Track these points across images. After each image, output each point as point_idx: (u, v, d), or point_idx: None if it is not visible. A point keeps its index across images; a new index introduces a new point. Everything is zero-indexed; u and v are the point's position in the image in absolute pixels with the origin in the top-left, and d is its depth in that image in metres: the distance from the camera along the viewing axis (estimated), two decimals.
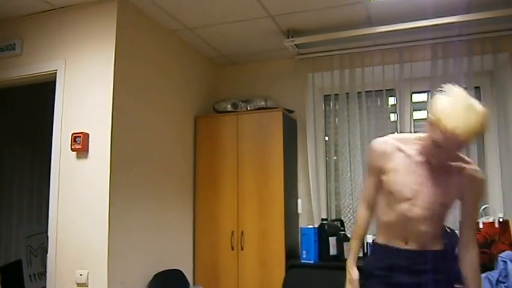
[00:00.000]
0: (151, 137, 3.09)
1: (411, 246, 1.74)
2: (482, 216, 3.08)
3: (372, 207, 1.90)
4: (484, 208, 3.17)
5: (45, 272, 2.75)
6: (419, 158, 1.71)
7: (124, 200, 2.74)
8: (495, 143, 3.50)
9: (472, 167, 1.74)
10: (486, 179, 3.47)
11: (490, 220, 2.99)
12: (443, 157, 1.63)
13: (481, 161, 3.50)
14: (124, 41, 2.82)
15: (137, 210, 2.88)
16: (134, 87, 2.92)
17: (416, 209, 1.70)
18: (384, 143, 1.79)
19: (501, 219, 2.99)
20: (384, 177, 1.76)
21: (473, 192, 1.76)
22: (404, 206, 1.71)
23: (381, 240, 1.84)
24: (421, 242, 1.74)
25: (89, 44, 2.81)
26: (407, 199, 1.70)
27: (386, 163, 1.75)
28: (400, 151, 1.74)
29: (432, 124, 1.54)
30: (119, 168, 2.70)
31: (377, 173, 1.80)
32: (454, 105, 1.50)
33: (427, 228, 1.72)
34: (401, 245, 1.76)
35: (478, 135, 1.53)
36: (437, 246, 1.78)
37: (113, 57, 2.72)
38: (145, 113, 3.04)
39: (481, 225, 2.99)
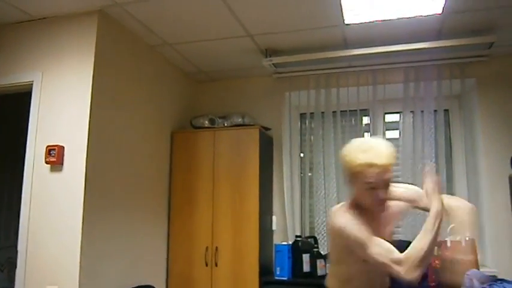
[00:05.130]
0: (127, 151, 3.07)
1: None
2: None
3: None
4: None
5: (13, 287, 2.68)
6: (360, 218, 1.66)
7: (98, 214, 2.71)
8: (462, 163, 3.64)
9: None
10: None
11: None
12: (382, 198, 1.63)
13: (449, 181, 3.62)
14: (103, 54, 2.82)
15: (111, 224, 2.85)
16: (112, 101, 2.92)
17: None
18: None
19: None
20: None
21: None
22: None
23: None
24: None
25: (68, 56, 2.80)
26: None
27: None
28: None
29: (356, 173, 1.60)
30: (93, 182, 2.68)
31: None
32: (362, 146, 1.63)
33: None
34: None
35: (393, 159, 1.62)
36: None
37: (92, 70, 2.71)
38: (122, 127, 3.03)
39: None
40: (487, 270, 3.08)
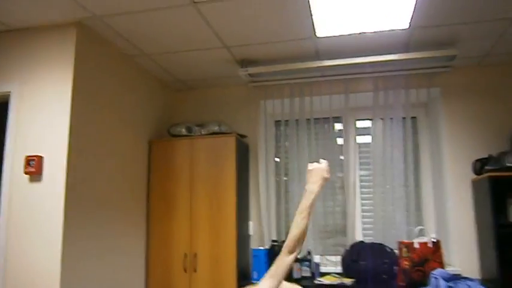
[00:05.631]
0: (106, 160, 3.11)
1: None
2: (417, 237, 3.36)
3: None
4: (419, 230, 3.46)
5: None
6: None
7: (78, 224, 2.75)
8: (429, 168, 3.84)
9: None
10: (420, 201, 3.79)
11: (424, 240, 3.27)
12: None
13: (417, 185, 3.81)
14: (82, 65, 2.86)
15: (91, 234, 2.89)
16: (91, 111, 2.96)
17: None
18: None
19: (434, 240, 3.27)
20: None
21: None
22: None
23: None
24: None
25: (47, 66, 2.82)
26: None
27: None
28: None
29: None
30: (73, 192, 2.71)
31: None
32: None
33: None
34: None
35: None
36: None
37: (71, 80, 2.75)
38: (101, 135, 3.07)
39: (416, 245, 3.26)
40: (452, 269, 3.27)
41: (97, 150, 3.02)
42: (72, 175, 2.71)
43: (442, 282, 2.88)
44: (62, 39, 2.84)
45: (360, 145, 4.02)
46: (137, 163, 3.61)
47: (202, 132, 3.79)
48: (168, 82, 4.14)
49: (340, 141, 4.01)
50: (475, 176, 3.48)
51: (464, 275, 3.06)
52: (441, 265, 3.19)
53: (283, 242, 3.78)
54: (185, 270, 3.55)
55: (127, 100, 3.46)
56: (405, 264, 3.25)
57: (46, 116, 2.76)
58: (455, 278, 2.94)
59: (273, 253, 3.55)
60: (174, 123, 3.98)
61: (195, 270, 3.53)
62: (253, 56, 3.54)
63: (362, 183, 3.97)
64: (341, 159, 3.91)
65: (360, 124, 4.08)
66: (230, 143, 3.66)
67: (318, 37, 3.18)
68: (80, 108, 2.82)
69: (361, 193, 3.95)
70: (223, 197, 3.58)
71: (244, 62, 3.62)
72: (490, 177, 3.13)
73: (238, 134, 3.81)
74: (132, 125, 3.53)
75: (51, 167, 2.69)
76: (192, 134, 3.81)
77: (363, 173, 3.99)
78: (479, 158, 3.46)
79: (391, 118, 3.77)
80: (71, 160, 2.71)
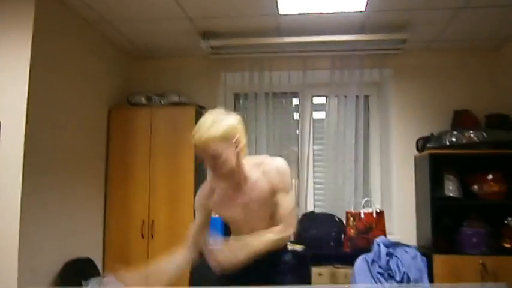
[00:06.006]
0: (65, 126, 3.09)
1: None
2: (363, 208, 3.62)
3: None
4: (366, 201, 3.72)
5: None
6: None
7: (36, 189, 2.75)
8: (377, 144, 4.09)
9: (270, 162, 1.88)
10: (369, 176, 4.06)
11: (369, 211, 3.54)
12: (218, 169, 1.77)
13: (366, 159, 4.05)
14: (41, 29, 2.78)
15: (49, 199, 2.90)
16: (50, 76, 2.91)
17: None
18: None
19: (378, 210, 3.55)
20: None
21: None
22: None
23: None
24: None
25: (3, 29, 2.73)
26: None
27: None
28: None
29: (235, 137, 1.76)
30: (32, 158, 2.69)
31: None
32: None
33: None
34: None
35: (211, 138, 1.69)
36: None
37: (29, 45, 2.68)
38: (60, 102, 3.03)
39: (362, 215, 3.52)
40: (393, 237, 3.57)
41: (56, 116, 2.99)
42: (30, 141, 2.69)
43: (383, 248, 3.16)
44: (21, 3, 2.75)
45: (315, 121, 4.19)
46: (96, 130, 3.60)
47: (162, 102, 3.82)
48: (129, 51, 4.09)
49: (296, 116, 4.17)
50: (417, 153, 3.76)
51: (403, 242, 3.36)
52: (383, 233, 3.48)
53: None
54: (143, 237, 3.64)
55: (87, 67, 3.42)
56: (351, 232, 3.51)
57: (3, 80, 2.70)
58: (395, 244, 3.24)
59: None
60: (133, 92, 3.96)
61: (152, 237, 3.63)
62: (216, 29, 3.58)
63: (315, 157, 4.16)
64: (297, 134, 4.08)
65: (316, 100, 4.25)
66: (190, 114, 3.71)
67: (281, 14, 3.26)
68: (38, 74, 2.77)
69: (314, 166, 4.15)
70: (181, 166, 3.67)
71: (207, 34, 3.65)
72: (430, 154, 3.41)
73: (198, 106, 3.86)
74: (91, 92, 3.50)
75: (9, 133, 2.66)
76: (152, 103, 3.82)
77: (316, 147, 4.18)
78: (422, 136, 3.73)
79: (345, 96, 3.96)
80: (30, 126, 2.68)
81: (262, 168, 1.87)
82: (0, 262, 2.57)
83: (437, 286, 3.10)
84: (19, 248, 2.57)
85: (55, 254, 2.97)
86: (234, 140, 1.75)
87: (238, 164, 1.81)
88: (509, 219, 3.35)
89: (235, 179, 1.85)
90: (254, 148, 3.99)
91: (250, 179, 1.86)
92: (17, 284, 2.54)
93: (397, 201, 3.83)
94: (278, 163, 1.87)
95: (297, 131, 4.11)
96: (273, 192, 1.83)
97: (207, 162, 1.77)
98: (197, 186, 3.68)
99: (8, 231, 2.58)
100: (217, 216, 2.05)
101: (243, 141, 1.80)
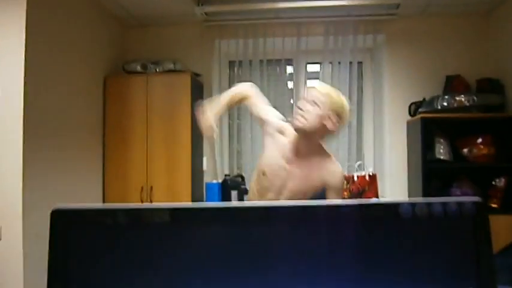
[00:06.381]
0: (61, 94, 3.12)
1: None
2: (357, 171, 3.72)
3: None
4: (359, 164, 3.82)
5: None
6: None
7: (37, 155, 2.80)
8: (371, 109, 4.16)
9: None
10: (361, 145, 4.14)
11: (363, 174, 3.64)
12: (300, 115, 1.88)
13: (359, 124, 4.13)
14: None
15: (50, 166, 2.96)
16: (46, 45, 2.91)
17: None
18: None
19: (370, 174, 3.65)
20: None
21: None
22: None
23: None
24: None
25: None
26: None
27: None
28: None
29: (338, 115, 1.86)
30: (31, 126, 2.73)
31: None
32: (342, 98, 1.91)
33: None
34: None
35: (328, 95, 1.88)
36: None
37: (24, 13, 2.67)
38: (56, 70, 3.05)
39: (355, 178, 3.62)
40: (385, 199, 3.68)
41: (53, 84, 3.01)
42: (29, 110, 2.72)
43: None
44: None
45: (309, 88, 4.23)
46: (93, 98, 3.63)
47: (158, 70, 3.84)
48: (123, 19, 4.06)
49: (290, 85, 4.21)
50: (409, 118, 3.84)
51: None
52: (376, 195, 3.59)
53: (235, 176, 4.04)
54: (142, 202, 3.73)
55: (82, 36, 3.41)
56: (345, 195, 3.62)
57: (1, 51, 2.70)
58: None
59: (225, 186, 3.79)
60: (129, 60, 3.97)
61: (151, 202, 3.72)
62: None
63: None
64: (291, 103, 4.12)
65: (310, 68, 4.28)
66: (185, 81, 3.74)
67: None
68: (34, 42, 2.77)
69: None
70: (178, 133, 3.72)
71: (201, 0, 3.64)
72: (422, 118, 3.49)
73: (193, 73, 3.89)
74: (87, 60, 3.51)
75: (8, 101, 2.68)
76: (147, 71, 3.84)
77: None
78: (414, 101, 3.80)
79: (339, 62, 4.00)
80: (28, 95, 2.70)
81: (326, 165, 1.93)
82: (3, 229, 2.64)
83: None
84: (23, 213, 2.64)
85: None
86: (334, 119, 1.84)
87: (316, 137, 1.90)
88: (497, 180, 3.47)
89: (304, 146, 1.92)
90: (250, 116, 4.03)
91: (311, 160, 1.92)
92: (22, 249, 2.64)
93: (389, 164, 3.93)
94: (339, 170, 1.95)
95: (291, 101, 4.16)
96: (319, 187, 1.91)
97: (299, 105, 1.87)
98: (194, 152, 3.79)
99: (11, 197, 2.64)
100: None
101: (336, 132, 1.88)
